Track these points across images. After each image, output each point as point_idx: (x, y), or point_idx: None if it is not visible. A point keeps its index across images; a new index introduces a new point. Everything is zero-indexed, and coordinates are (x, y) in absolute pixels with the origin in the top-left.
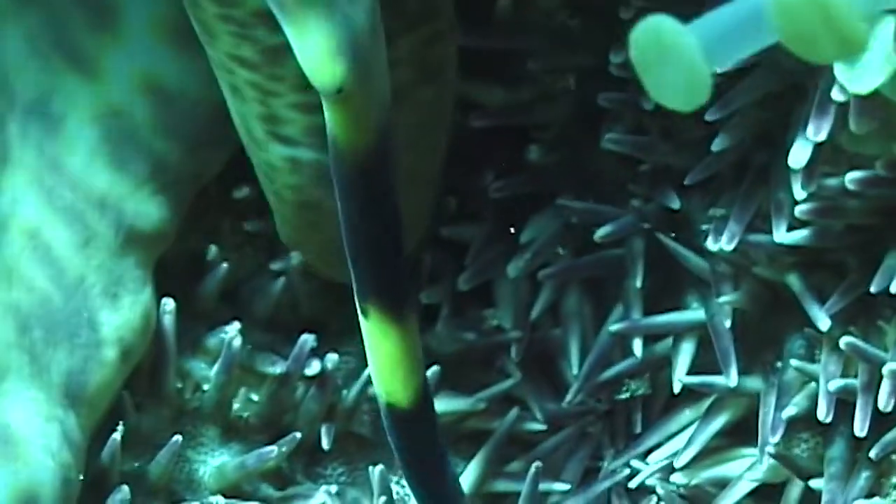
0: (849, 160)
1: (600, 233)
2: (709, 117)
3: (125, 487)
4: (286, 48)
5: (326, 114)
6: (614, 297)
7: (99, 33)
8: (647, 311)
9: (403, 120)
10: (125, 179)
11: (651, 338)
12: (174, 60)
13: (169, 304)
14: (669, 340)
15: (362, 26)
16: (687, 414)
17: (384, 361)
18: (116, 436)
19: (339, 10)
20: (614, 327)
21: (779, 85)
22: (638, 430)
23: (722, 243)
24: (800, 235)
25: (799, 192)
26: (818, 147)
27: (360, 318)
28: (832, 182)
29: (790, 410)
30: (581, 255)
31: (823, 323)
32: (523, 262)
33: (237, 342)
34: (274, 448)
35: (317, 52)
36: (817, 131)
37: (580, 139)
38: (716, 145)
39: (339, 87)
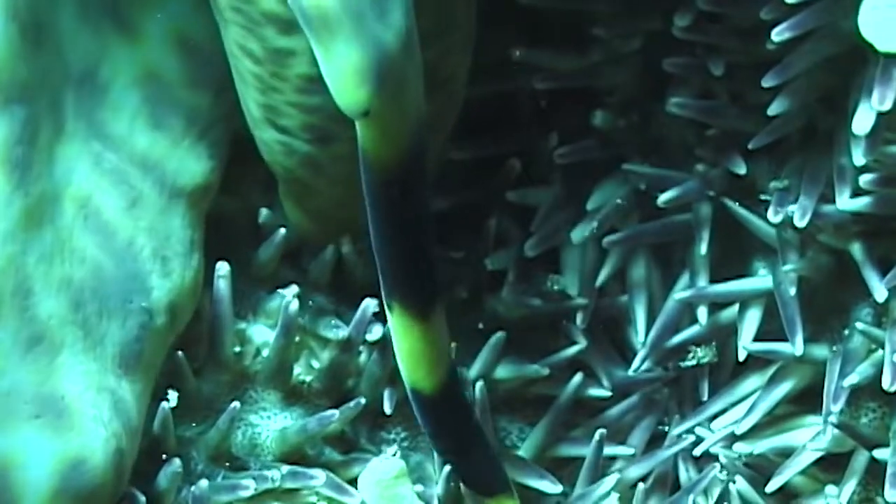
0: None
1: (663, 198)
2: (766, 83)
3: (177, 460)
4: (292, 52)
5: (357, 126)
6: (682, 263)
7: None
8: (715, 278)
9: None
10: (164, 138)
11: (718, 304)
12: (199, 11)
13: (223, 267)
14: (736, 307)
15: (392, 46)
16: (753, 381)
17: (407, 354)
18: (165, 405)
19: (367, 32)
20: (680, 295)
21: (838, 48)
22: (705, 397)
23: (795, 219)
24: (862, 202)
25: (859, 159)
26: (882, 115)
27: (386, 311)
28: (894, 149)
29: (852, 378)
30: (648, 221)
31: (880, 293)
32: (589, 229)
33: (294, 306)
34: (335, 412)
35: (343, 75)
36: (882, 100)
37: (648, 103)
38: (773, 109)
39: (365, 110)
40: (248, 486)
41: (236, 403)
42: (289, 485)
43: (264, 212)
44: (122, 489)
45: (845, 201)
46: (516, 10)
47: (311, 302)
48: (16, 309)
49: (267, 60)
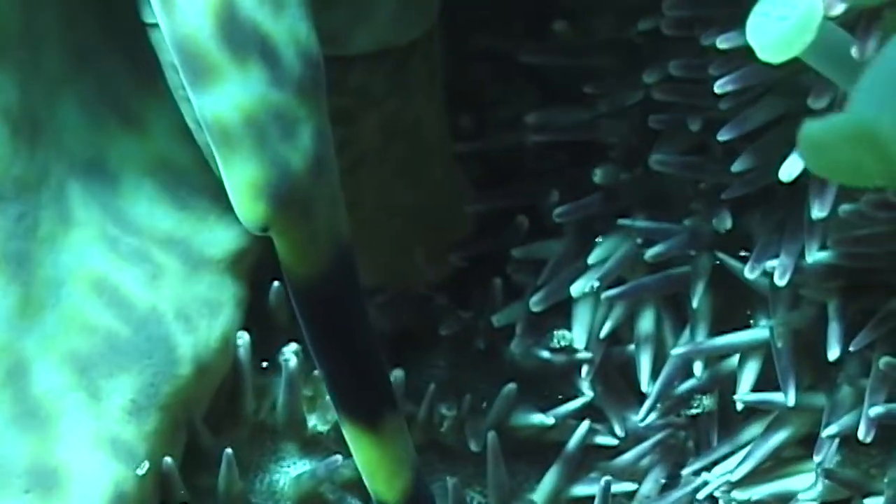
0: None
1: (650, 253)
2: (721, 136)
3: None
4: None
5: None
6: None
7: (144, 92)
8: (717, 329)
9: (378, 171)
10: (189, 217)
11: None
12: None
13: (243, 336)
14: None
15: (297, 168)
16: (757, 427)
17: (363, 466)
18: (168, 459)
19: (269, 151)
20: (677, 350)
21: (795, 105)
22: (715, 442)
23: (775, 277)
24: (826, 255)
25: (815, 213)
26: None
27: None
28: (849, 207)
29: (831, 429)
30: (652, 274)
31: (833, 353)
32: (589, 284)
33: (293, 363)
34: (339, 458)
35: (240, 189)
36: None
37: (648, 157)
38: (736, 166)
39: (263, 226)
40: None
41: (228, 450)
42: None
43: None
44: None
45: (813, 254)
46: (521, 68)
47: None
48: (10, 389)
49: None
